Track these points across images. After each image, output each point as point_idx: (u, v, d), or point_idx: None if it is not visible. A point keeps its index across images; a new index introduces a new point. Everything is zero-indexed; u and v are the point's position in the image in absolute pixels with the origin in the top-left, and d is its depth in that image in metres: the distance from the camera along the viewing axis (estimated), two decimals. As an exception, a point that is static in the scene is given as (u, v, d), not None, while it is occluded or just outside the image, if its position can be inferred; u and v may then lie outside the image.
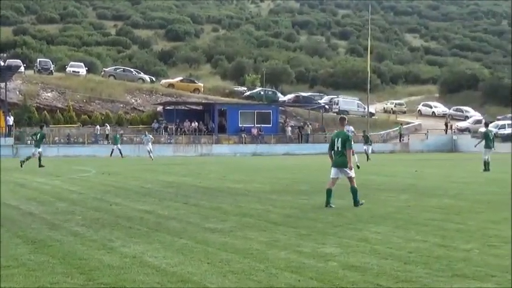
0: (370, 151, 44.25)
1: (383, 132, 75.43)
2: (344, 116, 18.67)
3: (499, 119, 78.62)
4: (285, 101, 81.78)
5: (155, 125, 68.83)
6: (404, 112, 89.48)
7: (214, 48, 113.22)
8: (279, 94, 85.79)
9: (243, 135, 68.64)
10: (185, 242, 11.48)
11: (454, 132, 76.50)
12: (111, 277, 8.77)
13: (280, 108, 76.42)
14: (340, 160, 16.70)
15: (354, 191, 16.75)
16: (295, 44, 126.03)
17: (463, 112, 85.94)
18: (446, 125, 77.22)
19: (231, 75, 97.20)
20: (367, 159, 42.23)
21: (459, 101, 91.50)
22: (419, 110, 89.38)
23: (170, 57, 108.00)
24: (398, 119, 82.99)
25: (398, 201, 18.05)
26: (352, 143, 16.95)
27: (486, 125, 36.66)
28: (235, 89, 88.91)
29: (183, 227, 13.38)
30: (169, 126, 68.66)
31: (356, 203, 16.67)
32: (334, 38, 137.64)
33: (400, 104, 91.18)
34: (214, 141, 67.60)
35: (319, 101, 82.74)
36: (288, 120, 75.95)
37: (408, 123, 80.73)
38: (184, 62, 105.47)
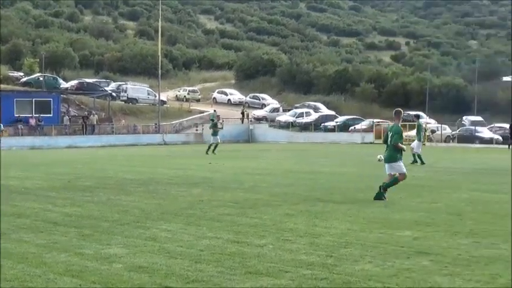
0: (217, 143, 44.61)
1: (175, 121, 75.80)
2: (399, 109, 18.56)
3: (296, 107, 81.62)
4: (67, 88, 79.97)
5: None
6: (199, 100, 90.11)
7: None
8: (61, 80, 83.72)
9: (19, 126, 66.41)
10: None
11: (251, 121, 78.17)
12: None
13: (62, 96, 74.64)
14: (388, 155, 17.45)
15: (387, 184, 17.40)
16: (79, 24, 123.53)
17: (259, 100, 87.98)
18: (242, 113, 78.25)
19: (5, 59, 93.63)
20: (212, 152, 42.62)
21: (256, 88, 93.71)
22: (214, 98, 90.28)
23: None
24: (192, 107, 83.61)
25: (191, 196, 18.30)
26: (402, 138, 17.61)
27: (417, 117, 37.39)
28: (11, 74, 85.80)
29: None
30: None
31: (380, 194, 17.25)
32: (122, 18, 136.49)
33: (194, 91, 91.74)
34: (-16, 133, 64.86)
35: (106, 88, 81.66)
36: (70, 109, 74.44)
37: (202, 111, 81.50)
38: None
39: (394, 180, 17.50)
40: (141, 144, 63.04)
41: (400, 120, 18.16)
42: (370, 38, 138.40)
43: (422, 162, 32.45)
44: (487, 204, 16.38)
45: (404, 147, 17.86)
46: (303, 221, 13.67)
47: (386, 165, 17.65)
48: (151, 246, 11.03)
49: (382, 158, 18.39)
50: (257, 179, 24.10)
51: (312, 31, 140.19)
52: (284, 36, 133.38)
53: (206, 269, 9.37)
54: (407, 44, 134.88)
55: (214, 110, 76.36)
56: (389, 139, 17.52)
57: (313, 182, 22.69)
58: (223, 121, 46.78)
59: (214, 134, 44.10)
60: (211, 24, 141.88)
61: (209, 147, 43.27)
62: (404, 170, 17.51)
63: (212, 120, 74.09)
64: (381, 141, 63.75)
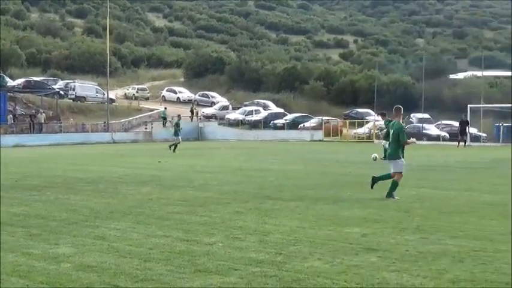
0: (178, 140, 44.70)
1: (124, 120, 75.34)
2: (399, 106, 18.31)
3: (246, 105, 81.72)
4: (14, 86, 78.92)
5: None
6: (148, 98, 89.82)
7: None
8: (7, 79, 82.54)
9: (-36, 125, 65.41)
10: None
11: (200, 119, 78.15)
12: None
13: (9, 94, 73.68)
14: (390, 152, 17.51)
15: (392, 184, 17.22)
16: (25, 22, 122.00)
17: (209, 98, 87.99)
18: (192, 111, 78.31)
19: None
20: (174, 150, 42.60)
21: (205, 86, 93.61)
22: (163, 96, 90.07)
23: None
24: (141, 105, 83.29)
25: (140, 195, 18.21)
26: (405, 135, 17.49)
27: (383, 115, 36.90)
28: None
29: None
30: None
31: (389, 195, 17.12)
32: (70, 16, 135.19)
33: (143, 90, 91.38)
34: None
35: (54, 86, 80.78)
36: (17, 107, 73.46)
37: (151, 110, 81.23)
38: None
39: (387, 176, 17.60)
40: (89, 142, 62.43)
41: (401, 117, 18.20)
42: (318, 36, 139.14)
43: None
44: (434, 201, 16.59)
45: (414, 140, 18.59)
46: (253, 219, 13.70)
47: (388, 162, 17.78)
48: (100, 245, 10.95)
49: (377, 156, 18.51)
50: (207, 177, 24.07)
51: (261, 29, 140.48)
52: (233, 34, 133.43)
53: (155, 267, 9.34)
54: (355, 42, 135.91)
55: (165, 108, 76.37)
56: (390, 136, 17.56)
57: (262, 180, 22.72)
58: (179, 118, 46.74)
59: (176, 133, 44.35)
60: (159, 22, 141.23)
61: (174, 145, 43.47)
62: (402, 170, 17.44)
63: (164, 118, 74.32)
64: (330, 138, 64.12)
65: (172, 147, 43.28)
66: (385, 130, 33.63)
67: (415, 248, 10.68)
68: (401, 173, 17.34)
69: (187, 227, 12.68)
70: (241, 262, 9.62)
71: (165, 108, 76.78)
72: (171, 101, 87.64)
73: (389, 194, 17.08)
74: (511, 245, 10.97)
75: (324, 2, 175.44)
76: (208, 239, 11.44)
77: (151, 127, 74.19)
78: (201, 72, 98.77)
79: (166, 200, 17.07)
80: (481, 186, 20.24)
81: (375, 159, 19.12)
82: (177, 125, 45.46)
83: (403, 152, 17.54)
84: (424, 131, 65.14)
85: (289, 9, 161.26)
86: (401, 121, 18.06)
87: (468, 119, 55.30)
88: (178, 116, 49.11)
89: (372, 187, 17.75)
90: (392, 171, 17.37)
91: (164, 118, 74.24)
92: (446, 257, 9.95)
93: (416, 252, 10.35)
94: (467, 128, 54.00)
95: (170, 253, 10.30)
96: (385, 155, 32.75)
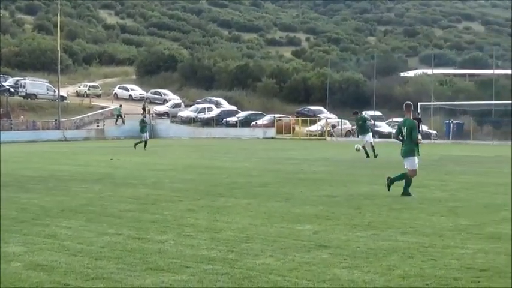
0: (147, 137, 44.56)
1: (76, 117, 74.67)
2: (410, 102, 17.99)
3: (198, 102, 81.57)
4: (-37, 83, 77.89)
5: None
6: (99, 95, 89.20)
7: None
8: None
9: None
10: None
11: (153, 116, 77.76)
12: None
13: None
14: (405, 149, 17.12)
15: (406, 182, 17.11)
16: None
17: (161, 95, 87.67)
18: (144, 109, 77.72)
19: None
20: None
21: (157, 84, 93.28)
22: (115, 93, 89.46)
23: None
24: (92, 103, 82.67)
25: (92, 193, 18.06)
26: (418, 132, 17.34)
27: (356, 113, 36.54)
28: None
29: None
30: None
31: (405, 193, 16.99)
32: (19, 12, 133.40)
33: (95, 87, 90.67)
34: None
35: (4, 84, 79.79)
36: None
37: (103, 107, 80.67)
38: None
39: (402, 176, 17.40)
40: (41, 140, 61.85)
41: (411, 113, 17.83)
42: (271, 34, 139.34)
43: (368, 156, 32.12)
44: (384, 198, 16.71)
45: (420, 138, 18.01)
46: (204, 216, 13.68)
47: (403, 159, 17.48)
48: (51, 244, 10.84)
49: (360, 147, 18.40)
50: (159, 174, 23.99)
51: (213, 26, 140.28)
52: (185, 32, 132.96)
53: (107, 266, 9.27)
54: (307, 39, 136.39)
55: (120, 105, 76.08)
56: (404, 133, 17.22)
57: (214, 178, 22.71)
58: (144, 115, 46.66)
59: (142, 130, 44.19)
60: (111, 19, 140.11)
61: (144, 142, 43.28)
62: (416, 167, 17.27)
63: (118, 115, 73.94)
64: (282, 136, 64.36)
65: (142, 145, 42.98)
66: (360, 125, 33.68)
67: (366, 244, 10.75)
68: (414, 170, 17.23)
69: (139, 225, 12.62)
70: (192, 260, 9.60)
71: (120, 105, 76.44)
72: (123, 98, 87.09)
73: (405, 192, 17.01)
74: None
75: (276, 0, 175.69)
76: (160, 237, 11.40)
77: (103, 125, 73.69)
78: (154, 70, 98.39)
79: (118, 198, 16.97)
80: (431, 183, 20.45)
81: (358, 149, 19.08)
82: (143, 121, 45.23)
83: (418, 149, 17.25)
84: (375, 128, 65.61)
85: (241, 7, 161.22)
86: (411, 117, 17.73)
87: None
88: (143, 112, 48.81)
89: (388, 189, 17.35)
90: (405, 167, 17.25)
91: (119, 115, 73.88)
92: (397, 253, 10.03)
93: (367, 248, 10.42)
94: (419, 125, 54.51)
95: (121, 251, 10.24)
96: (367, 153, 33.09)
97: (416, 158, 17.12)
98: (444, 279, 8.43)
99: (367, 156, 31.87)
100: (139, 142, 43.22)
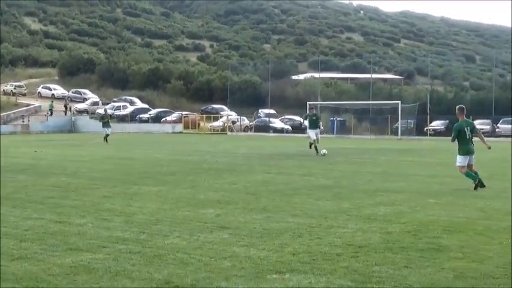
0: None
1: (3, 114, 72.57)
2: (463, 106, 16.95)
3: (114, 101, 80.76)
4: None
5: None
6: (25, 94, 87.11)
7: None
8: None
9: None
10: None
11: (73, 113, 76.57)
12: None
13: None
14: (468, 148, 16.21)
15: (475, 175, 16.14)
16: None
17: (81, 94, 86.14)
18: (65, 106, 77.05)
19: None
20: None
21: (77, 84, 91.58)
22: (39, 92, 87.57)
23: None
24: (18, 101, 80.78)
25: (17, 182, 17.58)
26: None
27: (312, 108, 34.58)
28: None
29: None
30: None
31: (479, 182, 15.93)
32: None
33: (20, 87, 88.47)
34: None
35: None
36: None
37: (28, 104, 78.84)
38: None
39: (472, 174, 16.29)
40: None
41: (463, 116, 16.63)
42: (179, 41, 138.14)
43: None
44: (278, 185, 16.85)
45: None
46: (119, 202, 13.52)
47: (465, 157, 16.25)
48: (-21, 228, 10.52)
49: (326, 151, 16.92)
50: (79, 165, 23.57)
51: (128, 33, 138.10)
52: (103, 38, 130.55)
53: (30, 247, 9.04)
54: (211, 46, 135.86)
55: (52, 101, 75.18)
56: (467, 134, 16.20)
57: (128, 168, 22.48)
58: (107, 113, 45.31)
59: (104, 125, 43.20)
60: (35, 25, 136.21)
61: (105, 136, 42.07)
62: (463, 164, 16.34)
63: (50, 110, 72.99)
64: (189, 130, 63.71)
65: (107, 137, 41.97)
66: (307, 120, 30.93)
67: (261, 225, 10.82)
68: (472, 165, 16.35)
69: (60, 210, 12.37)
70: (109, 240, 9.48)
71: (52, 101, 75.47)
72: (46, 97, 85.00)
73: (478, 185, 15.94)
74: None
75: (183, 11, 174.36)
76: (79, 221, 11.20)
77: (28, 120, 71.92)
78: (74, 72, 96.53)
79: (41, 186, 16.58)
80: (318, 172, 20.75)
81: (324, 154, 17.74)
82: (102, 118, 44.28)
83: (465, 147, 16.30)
84: (270, 124, 66.36)
85: (152, 17, 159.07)
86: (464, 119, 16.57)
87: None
88: (105, 110, 47.87)
89: (479, 187, 15.92)
90: (472, 163, 16.33)
91: (51, 110, 73.71)
92: (288, 233, 10.13)
93: (262, 229, 10.49)
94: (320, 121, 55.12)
95: (44, 233, 10.01)
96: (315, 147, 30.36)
97: (462, 156, 16.42)
98: (328, 255, 8.57)
99: (317, 152, 29.03)
100: (106, 136, 42.11)
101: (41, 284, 7.15)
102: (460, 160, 16.37)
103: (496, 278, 7.47)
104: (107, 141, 41.38)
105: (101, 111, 75.87)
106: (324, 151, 28.56)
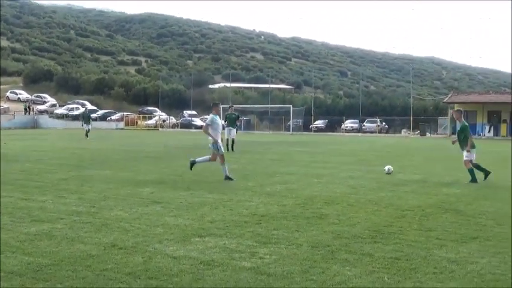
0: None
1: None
2: (460, 109, 15.21)
3: (69, 103, 78.68)
4: None
5: None
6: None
7: None
8: None
9: None
10: None
11: (36, 113, 74.15)
12: None
13: None
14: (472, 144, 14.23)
15: (482, 167, 14.45)
16: None
17: (41, 98, 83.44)
18: (28, 107, 74.97)
19: None
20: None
21: (39, 90, 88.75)
22: (7, 96, 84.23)
23: None
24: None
25: (-11, 167, 16.85)
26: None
27: (231, 107, 28.67)
28: None
29: None
30: None
31: (486, 175, 14.24)
32: None
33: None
34: None
35: None
36: None
37: (-1, 106, 75.68)
38: None
39: (480, 167, 14.50)
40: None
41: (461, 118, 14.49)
42: (121, 57, 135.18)
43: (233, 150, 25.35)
44: (198, 168, 16.76)
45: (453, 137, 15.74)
46: (74, 183, 13.15)
47: (470, 152, 14.20)
48: (-42, 205, 10.01)
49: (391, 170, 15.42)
50: (40, 154, 22.78)
51: (80, 50, 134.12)
52: (59, 53, 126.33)
53: (2, 219, 8.67)
54: (146, 61, 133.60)
55: (27, 100, 75.29)
56: (469, 134, 14.35)
57: (81, 156, 21.88)
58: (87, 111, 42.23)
59: (85, 122, 38.82)
60: (4, 42, 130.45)
61: (86, 132, 37.97)
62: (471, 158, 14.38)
63: (25, 108, 71.17)
64: (129, 127, 62.19)
65: (89, 133, 37.75)
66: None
67: (186, 200, 10.78)
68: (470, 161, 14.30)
69: (25, 190, 11.93)
70: (65, 213, 9.21)
71: (27, 100, 73.70)
72: (13, 100, 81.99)
73: (485, 176, 14.29)
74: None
75: (124, 33, 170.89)
76: (42, 198, 10.84)
77: (-1, 119, 68.91)
78: (36, 80, 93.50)
79: (9, 170, 15.91)
80: (229, 159, 20.65)
81: (389, 172, 15.64)
82: (82, 116, 41.70)
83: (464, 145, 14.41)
84: (192, 123, 66.09)
85: (99, 37, 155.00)
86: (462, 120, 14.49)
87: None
88: (85, 108, 45.54)
89: (485, 178, 14.26)
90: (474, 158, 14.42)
91: (26, 108, 73.13)
92: (206, 206, 10.12)
93: (187, 203, 10.44)
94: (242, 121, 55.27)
95: (13, 208, 9.63)
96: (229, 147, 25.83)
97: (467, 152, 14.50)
98: (238, 222, 8.62)
99: (232, 150, 25.11)
100: (87, 132, 38.01)
101: (11, 249, 6.89)
102: (474, 155, 14.42)
103: (363, 238, 7.69)
104: (87, 136, 37.51)
105: (58, 111, 74.04)
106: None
